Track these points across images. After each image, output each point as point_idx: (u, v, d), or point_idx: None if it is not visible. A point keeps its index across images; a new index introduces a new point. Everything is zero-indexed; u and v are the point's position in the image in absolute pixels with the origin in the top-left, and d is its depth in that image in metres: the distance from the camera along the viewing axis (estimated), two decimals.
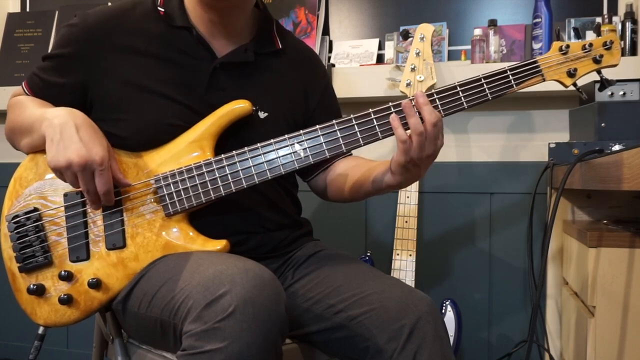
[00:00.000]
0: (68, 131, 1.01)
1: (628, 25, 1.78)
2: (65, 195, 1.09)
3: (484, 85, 1.06)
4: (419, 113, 1.02)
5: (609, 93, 1.48)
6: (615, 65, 1.10)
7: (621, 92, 1.48)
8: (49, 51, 1.16)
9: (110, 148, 1.07)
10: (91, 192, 1.03)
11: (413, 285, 1.58)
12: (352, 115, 1.07)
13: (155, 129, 1.11)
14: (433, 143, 1.02)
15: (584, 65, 1.09)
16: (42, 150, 1.10)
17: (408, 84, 1.70)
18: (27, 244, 1.09)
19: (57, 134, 1.01)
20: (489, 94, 1.07)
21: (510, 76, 1.07)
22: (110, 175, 1.03)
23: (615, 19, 1.79)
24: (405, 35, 1.83)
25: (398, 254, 1.68)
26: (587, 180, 1.25)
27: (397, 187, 1.10)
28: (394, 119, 1.03)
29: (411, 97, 1.04)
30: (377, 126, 1.06)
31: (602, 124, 1.43)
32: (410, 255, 1.67)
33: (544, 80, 1.09)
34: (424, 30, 1.72)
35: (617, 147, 1.36)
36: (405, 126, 1.03)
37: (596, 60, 1.09)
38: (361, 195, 1.20)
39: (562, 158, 1.50)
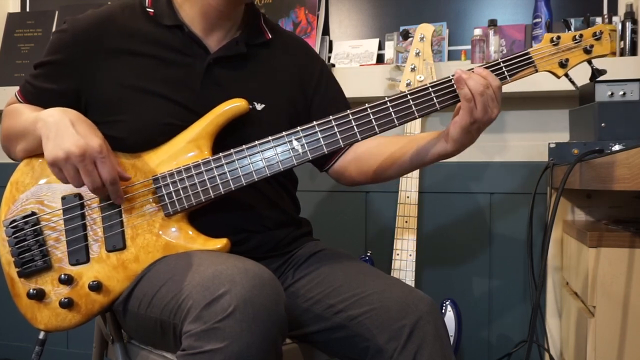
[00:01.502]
0: (63, 126, 1.01)
1: (628, 25, 1.78)
2: (63, 198, 1.09)
3: None
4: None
5: (609, 93, 1.48)
6: (605, 55, 1.11)
7: (621, 92, 1.48)
8: (41, 58, 1.16)
9: (107, 143, 1.05)
10: (96, 183, 1.01)
11: (413, 285, 1.58)
12: (349, 111, 1.07)
13: (152, 129, 1.10)
14: (494, 105, 1.03)
15: (575, 55, 1.10)
16: (38, 155, 1.10)
17: (408, 84, 1.70)
18: (25, 249, 1.08)
19: (52, 131, 1.01)
20: None
21: (503, 67, 1.08)
22: (112, 164, 1.02)
23: (615, 19, 1.79)
24: (405, 35, 1.83)
25: (398, 254, 1.68)
26: (587, 180, 1.25)
27: (448, 156, 1.11)
28: (458, 79, 1.03)
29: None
30: (373, 120, 1.07)
31: (602, 124, 1.43)
32: (410, 255, 1.67)
33: (536, 71, 1.10)
34: (424, 30, 1.72)
35: (617, 147, 1.36)
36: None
37: (587, 51, 1.10)
38: (391, 172, 1.20)
39: (562, 158, 1.49)
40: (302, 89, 1.26)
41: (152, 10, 1.15)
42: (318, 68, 1.30)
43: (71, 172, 1.00)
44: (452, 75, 1.06)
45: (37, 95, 1.16)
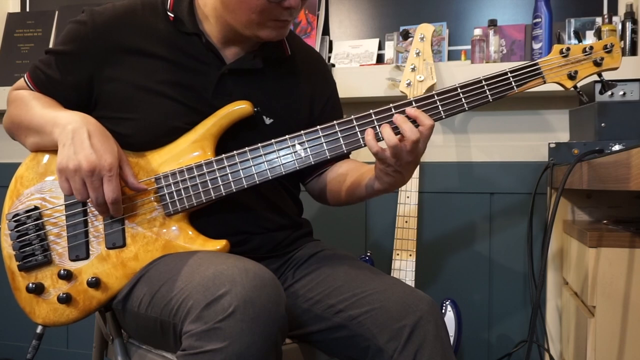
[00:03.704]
0: (79, 137, 1.02)
1: (628, 25, 1.78)
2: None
3: (485, 87, 1.07)
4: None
5: (609, 93, 1.48)
6: (616, 68, 1.11)
7: (621, 92, 1.48)
8: (55, 45, 1.15)
9: (122, 154, 1.06)
10: (99, 200, 1.02)
11: (413, 285, 1.58)
12: (352, 116, 1.07)
13: (159, 130, 1.11)
14: (409, 154, 1.02)
15: (584, 68, 1.10)
16: (44, 151, 1.11)
17: (408, 84, 1.70)
18: (26, 243, 1.09)
19: (68, 139, 1.02)
20: (489, 96, 1.07)
21: (510, 78, 1.07)
22: (118, 184, 1.03)
23: (615, 19, 1.79)
24: (405, 35, 1.82)
25: (398, 254, 1.68)
26: (587, 180, 1.25)
27: (385, 192, 1.11)
28: (368, 133, 1.04)
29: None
30: (377, 126, 1.06)
31: (602, 124, 1.43)
32: (410, 255, 1.67)
33: (544, 82, 1.09)
34: (424, 30, 1.72)
35: (617, 147, 1.36)
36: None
37: (597, 63, 1.09)
38: (356, 199, 1.21)
39: (562, 158, 1.50)
40: (310, 109, 1.26)
41: (172, 15, 1.14)
42: (329, 92, 1.31)
43: (77, 185, 1.02)
44: (456, 85, 1.07)
45: (49, 85, 1.15)
